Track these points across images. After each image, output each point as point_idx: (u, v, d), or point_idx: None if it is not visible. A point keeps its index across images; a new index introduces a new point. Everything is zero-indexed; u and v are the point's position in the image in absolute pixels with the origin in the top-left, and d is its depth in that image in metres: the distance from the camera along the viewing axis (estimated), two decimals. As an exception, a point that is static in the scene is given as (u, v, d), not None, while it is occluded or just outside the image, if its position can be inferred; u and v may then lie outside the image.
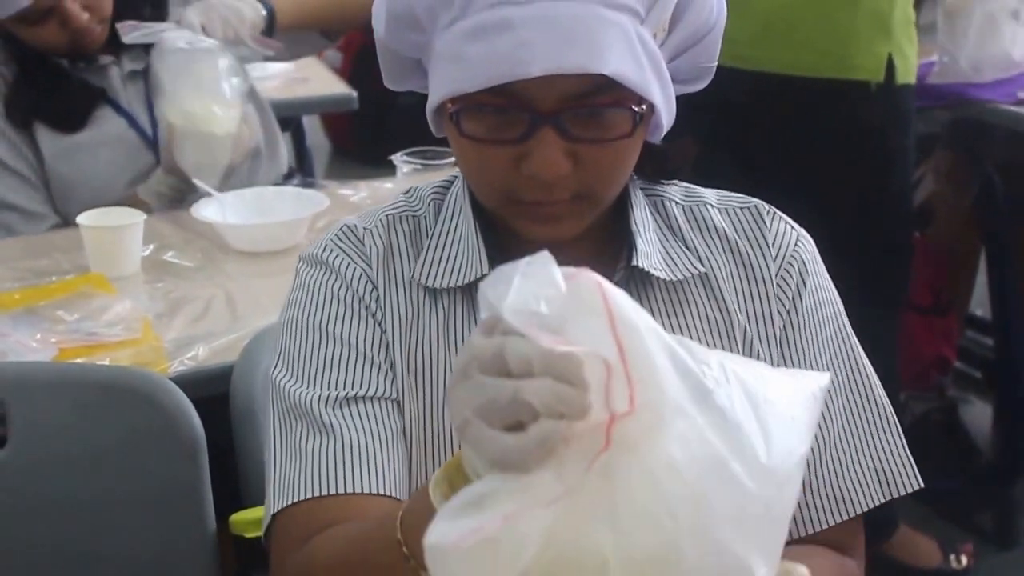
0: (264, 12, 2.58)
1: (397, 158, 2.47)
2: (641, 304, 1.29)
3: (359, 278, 1.37)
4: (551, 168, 1.22)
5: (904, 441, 1.41)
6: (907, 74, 2.81)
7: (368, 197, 2.62)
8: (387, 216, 1.42)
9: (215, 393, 1.80)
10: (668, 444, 0.89)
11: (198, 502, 1.71)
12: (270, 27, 2.60)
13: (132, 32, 2.48)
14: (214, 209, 2.45)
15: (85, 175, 2.61)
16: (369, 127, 5.44)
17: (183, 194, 2.56)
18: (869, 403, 1.41)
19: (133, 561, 1.72)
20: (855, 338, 1.43)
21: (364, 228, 1.40)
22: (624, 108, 1.22)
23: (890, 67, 2.77)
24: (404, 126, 5.65)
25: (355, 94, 3.46)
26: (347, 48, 5.85)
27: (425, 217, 1.41)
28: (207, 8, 2.53)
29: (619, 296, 0.90)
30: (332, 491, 1.29)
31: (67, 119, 2.61)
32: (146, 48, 2.64)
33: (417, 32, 1.27)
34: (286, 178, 2.86)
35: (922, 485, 1.40)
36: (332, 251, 1.39)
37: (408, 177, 2.45)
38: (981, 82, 3.21)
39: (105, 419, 1.71)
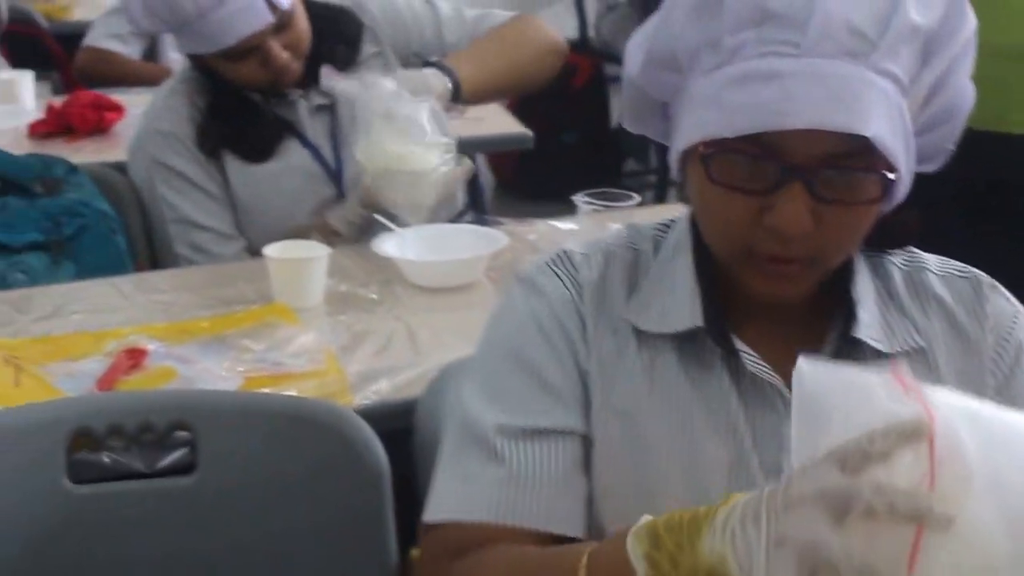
0: (449, 83, 2.60)
1: (578, 198, 2.45)
2: None
3: (568, 308, 1.36)
4: (795, 224, 1.21)
5: None
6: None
7: (546, 236, 2.62)
8: (607, 247, 1.41)
9: (398, 427, 1.80)
10: None
11: (381, 534, 1.71)
12: (455, 99, 2.62)
13: (339, 81, 2.52)
14: (394, 244, 2.47)
15: (268, 203, 2.66)
16: (534, 164, 5.46)
17: (372, 224, 2.58)
18: None
19: (315, 591, 1.73)
20: None
21: (582, 256, 1.40)
22: (876, 173, 1.21)
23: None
24: (568, 163, 5.72)
25: (531, 133, 3.45)
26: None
27: (645, 253, 1.40)
28: (399, 78, 2.55)
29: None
30: (491, 519, 1.30)
31: (256, 150, 2.66)
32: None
33: (674, 73, 1.26)
34: (460, 214, 2.87)
35: None
36: (546, 274, 1.39)
37: (588, 217, 2.44)
38: None
39: (291, 450, 1.72)
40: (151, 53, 4.47)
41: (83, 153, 3.25)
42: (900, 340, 1.35)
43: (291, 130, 2.68)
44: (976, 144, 2.69)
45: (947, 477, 0.97)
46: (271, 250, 2.33)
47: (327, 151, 2.70)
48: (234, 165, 2.66)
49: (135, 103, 3.40)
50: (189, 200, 2.65)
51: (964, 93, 1.28)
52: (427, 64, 2.64)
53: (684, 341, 1.33)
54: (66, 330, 2.23)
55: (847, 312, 1.34)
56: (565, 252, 1.41)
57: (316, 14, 2.66)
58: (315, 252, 2.33)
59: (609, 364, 1.35)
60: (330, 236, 2.55)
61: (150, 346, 2.09)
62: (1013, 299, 1.41)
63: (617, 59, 5.78)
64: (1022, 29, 2.68)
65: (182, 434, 1.71)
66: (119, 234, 2.70)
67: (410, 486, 1.73)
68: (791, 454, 1.04)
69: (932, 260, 1.42)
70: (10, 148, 2.97)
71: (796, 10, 1.18)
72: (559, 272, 1.38)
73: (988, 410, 1.05)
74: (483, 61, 2.68)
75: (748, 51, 1.19)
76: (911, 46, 1.20)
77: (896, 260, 1.41)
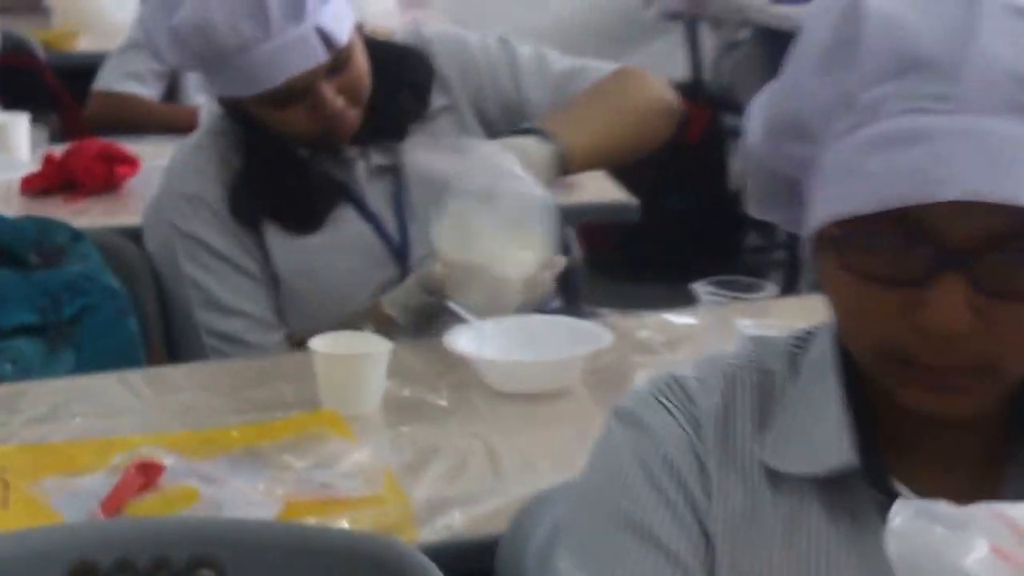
0: (552, 152, 2.57)
1: (699, 287, 2.43)
2: None
3: (682, 449, 1.33)
4: (951, 320, 1.16)
5: None
6: None
7: (661, 332, 2.61)
8: (729, 369, 1.37)
9: (474, 571, 1.80)
10: None
11: None
12: (559, 168, 2.60)
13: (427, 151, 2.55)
14: (470, 340, 2.45)
15: (318, 285, 2.66)
16: (634, 235, 5.45)
17: (435, 311, 2.57)
18: None
19: None
20: None
21: (697, 382, 1.36)
22: None
23: None
24: (676, 235, 5.72)
25: (636, 202, 3.45)
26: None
27: (779, 375, 1.36)
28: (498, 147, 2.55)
29: None
30: None
31: (303, 219, 2.67)
32: (398, 140, 2.68)
33: (803, 142, 1.24)
34: (546, 301, 2.84)
35: None
36: (653, 408, 1.35)
37: (710, 311, 2.41)
38: None
39: (343, 596, 1.71)
40: (171, 94, 4.50)
41: (88, 215, 3.31)
42: None
43: (346, 195, 2.69)
44: None
45: None
46: (319, 343, 2.32)
47: (390, 223, 2.71)
48: (276, 237, 2.66)
49: (152, 155, 3.46)
50: (219, 279, 2.66)
51: None
52: (521, 130, 2.62)
53: (831, 487, 1.30)
54: (64, 436, 2.23)
55: None
56: (675, 378, 1.37)
57: (379, 56, 2.67)
58: (372, 347, 2.32)
59: (738, 520, 1.32)
60: (385, 325, 2.55)
61: (167, 460, 2.08)
62: None
63: (739, 108, 5.80)
64: None
65: (206, 573, 1.71)
66: (130, 316, 2.72)
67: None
68: None
69: None
70: (-1, 208, 3.00)
71: (946, 57, 1.16)
72: (669, 404, 1.35)
73: None
74: (586, 125, 2.67)
75: (889, 108, 1.17)
76: None
77: None
